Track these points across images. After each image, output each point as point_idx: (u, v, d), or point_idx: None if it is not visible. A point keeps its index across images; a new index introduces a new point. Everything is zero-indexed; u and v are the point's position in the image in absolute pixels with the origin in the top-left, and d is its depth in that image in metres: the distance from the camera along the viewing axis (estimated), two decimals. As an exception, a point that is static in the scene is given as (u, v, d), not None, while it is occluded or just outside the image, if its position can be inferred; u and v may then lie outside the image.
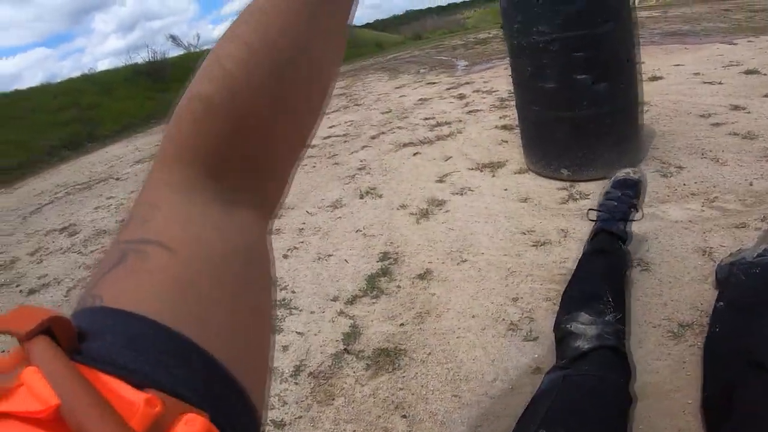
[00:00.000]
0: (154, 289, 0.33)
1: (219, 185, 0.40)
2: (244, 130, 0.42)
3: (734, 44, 5.77)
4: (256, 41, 0.43)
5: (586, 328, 1.51)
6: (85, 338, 0.27)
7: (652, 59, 5.64)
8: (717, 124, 3.47)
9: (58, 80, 17.84)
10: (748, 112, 3.57)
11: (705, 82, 4.50)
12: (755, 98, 3.82)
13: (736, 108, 3.69)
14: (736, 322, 1.55)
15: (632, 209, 2.07)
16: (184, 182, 0.40)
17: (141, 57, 17.66)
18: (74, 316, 0.31)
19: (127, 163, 6.69)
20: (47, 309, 0.27)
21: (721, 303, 1.66)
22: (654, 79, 4.95)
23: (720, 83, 4.37)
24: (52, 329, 0.26)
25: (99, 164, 7.08)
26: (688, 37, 6.72)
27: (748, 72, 4.49)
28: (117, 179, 5.79)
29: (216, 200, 0.40)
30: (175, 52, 20.66)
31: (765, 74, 4.36)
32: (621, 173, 2.17)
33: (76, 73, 19.71)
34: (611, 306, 1.59)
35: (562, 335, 1.56)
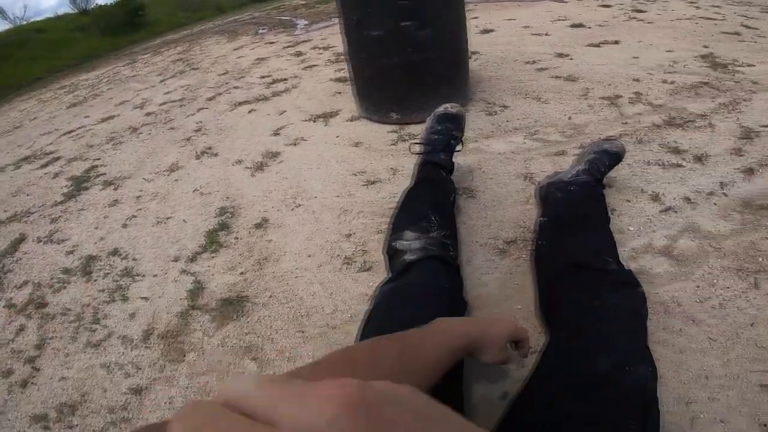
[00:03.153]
0: None
1: None
2: None
3: (564, 2, 6.08)
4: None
5: (410, 243, 1.59)
6: None
7: (485, 14, 5.88)
8: (541, 69, 3.68)
9: None
10: (571, 59, 3.80)
11: (533, 34, 4.73)
12: (578, 47, 4.07)
13: (560, 55, 3.92)
14: (558, 234, 1.69)
15: (453, 141, 2.17)
16: None
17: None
18: None
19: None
20: None
21: (544, 218, 1.80)
22: (485, 32, 5.12)
23: (547, 35, 4.61)
24: None
25: None
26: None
27: (575, 25, 4.77)
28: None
29: None
30: (1, 27, 19.30)
31: (590, 28, 4.64)
32: (441, 108, 2.25)
33: None
34: (436, 224, 1.67)
35: (392, 254, 1.64)
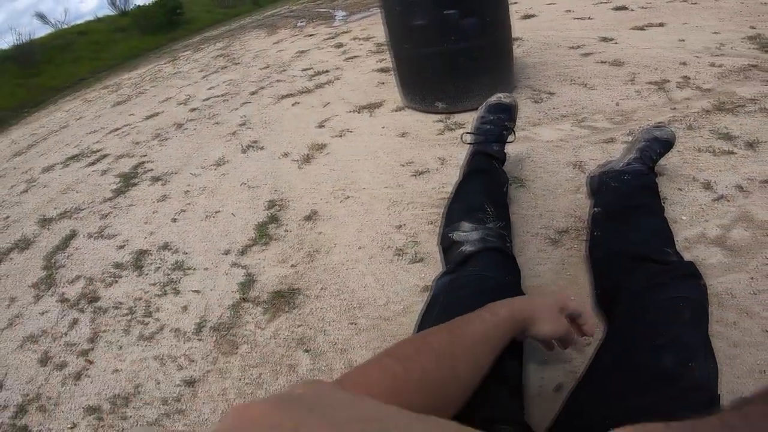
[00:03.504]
0: None
1: None
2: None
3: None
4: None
5: (468, 234, 1.58)
6: None
7: (526, -1, 5.81)
8: (586, 54, 3.63)
9: None
10: (616, 43, 3.74)
11: (576, 18, 4.67)
12: (623, 30, 4.00)
13: (604, 39, 3.85)
14: (612, 225, 1.66)
15: (506, 131, 2.14)
16: None
17: (6, 42, 16.67)
18: None
19: (3, 158, 6.33)
20: None
21: (597, 209, 1.77)
22: (527, 17, 5.09)
23: (590, 18, 4.55)
24: None
25: (-29, 166, 6.66)
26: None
27: (617, 8, 4.69)
28: (-7, 177, 5.49)
29: None
30: (43, 31, 19.63)
31: (633, 10, 4.55)
32: (493, 98, 2.22)
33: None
34: (492, 215, 1.66)
35: (447, 245, 1.63)
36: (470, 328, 0.98)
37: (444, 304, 1.31)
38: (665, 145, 1.99)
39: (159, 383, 1.82)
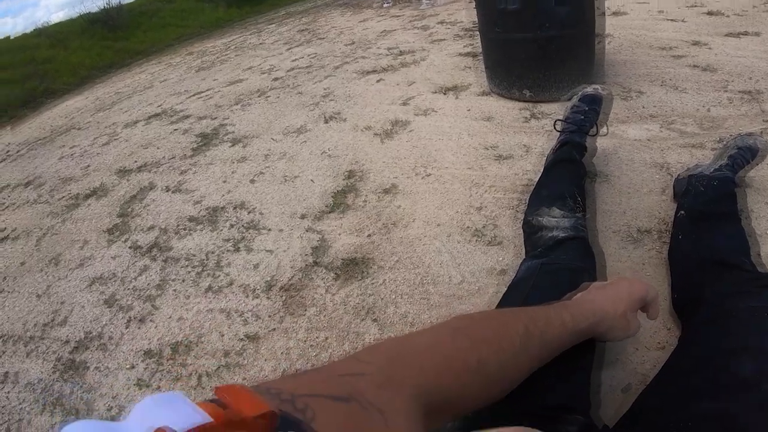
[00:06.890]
0: None
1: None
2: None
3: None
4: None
5: (559, 220, 1.58)
6: None
7: (616, -5, 5.67)
8: (678, 56, 3.52)
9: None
10: (709, 48, 3.62)
11: (668, 19, 4.53)
12: (716, 36, 3.86)
13: (697, 43, 3.73)
14: (698, 230, 1.60)
15: (599, 124, 2.12)
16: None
17: (96, 5, 17.08)
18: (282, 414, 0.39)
19: (88, 112, 6.49)
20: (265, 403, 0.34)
21: (682, 212, 1.72)
22: (618, 14, 4.98)
23: (683, 21, 4.41)
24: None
25: (59, 118, 6.83)
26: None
27: (711, 13, 4.53)
28: (79, 129, 5.62)
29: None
30: (133, -3, 20.08)
31: (728, 16, 4.39)
32: (590, 89, 2.19)
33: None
34: (581, 206, 1.65)
35: (534, 229, 1.62)
36: (549, 326, 0.95)
37: (535, 287, 1.30)
38: (757, 155, 1.91)
39: (223, 336, 1.86)
